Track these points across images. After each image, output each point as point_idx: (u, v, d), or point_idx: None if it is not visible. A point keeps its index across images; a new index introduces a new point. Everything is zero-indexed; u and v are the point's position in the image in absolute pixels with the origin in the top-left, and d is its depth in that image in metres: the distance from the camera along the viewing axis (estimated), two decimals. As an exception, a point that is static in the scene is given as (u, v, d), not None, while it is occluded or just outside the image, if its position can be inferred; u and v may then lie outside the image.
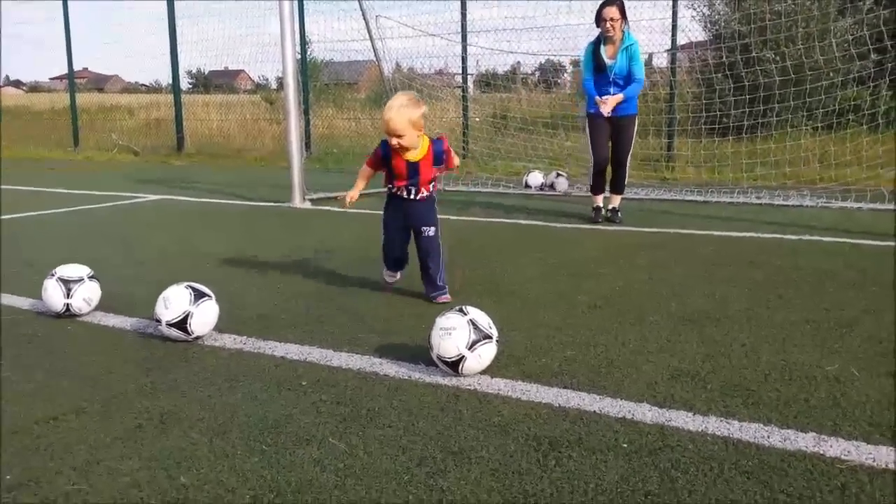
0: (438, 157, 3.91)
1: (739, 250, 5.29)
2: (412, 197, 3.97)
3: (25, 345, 3.33)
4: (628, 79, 6.31)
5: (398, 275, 4.30)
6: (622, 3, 6.28)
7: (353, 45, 10.12)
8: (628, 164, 6.62)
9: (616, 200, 6.68)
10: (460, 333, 2.78)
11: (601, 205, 6.74)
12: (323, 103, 15.15)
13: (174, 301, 3.27)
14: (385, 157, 3.90)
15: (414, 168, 3.90)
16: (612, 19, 6.21)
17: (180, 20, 14.16)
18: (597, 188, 6.74)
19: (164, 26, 14.14)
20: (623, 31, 6.29)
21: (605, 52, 6.34)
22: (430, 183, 3.98)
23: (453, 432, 2.39)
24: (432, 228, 4.04)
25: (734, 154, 8.89)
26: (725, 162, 8.95)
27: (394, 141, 3.78)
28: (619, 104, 6.34)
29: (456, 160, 4.01)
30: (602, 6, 6.28)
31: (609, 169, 6.64)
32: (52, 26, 18.49)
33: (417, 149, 3.86)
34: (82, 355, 3.18)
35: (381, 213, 4.12)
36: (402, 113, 3.74)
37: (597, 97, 6.39)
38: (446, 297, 4.00)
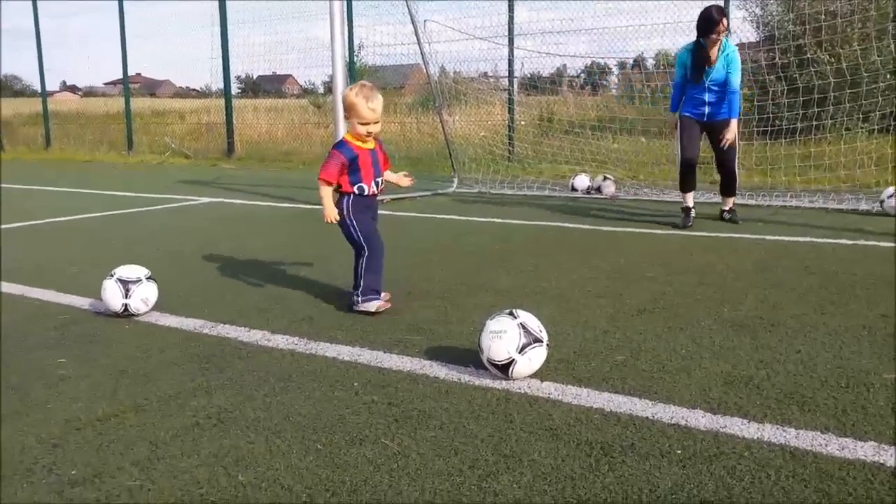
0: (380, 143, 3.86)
1: (793, 255, 5.19)
2: (378, 190, 3.85)
3: (86, 344, 3.44)
4: (723, 85, 6.32)
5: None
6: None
7: (399, 48, 10.14)
8: (736, 167, 6.66)
9: (729, 202, 6.77)
10: (511, 336, 2.79)
11: (690, 205, 6.66)
12: (369, 107, 15.21)
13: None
14: (352, 158, 3.69)
15: (375, 156, 3.79)
16: (723, 30, 6.22)
17: (231, 26, 14.43)
18: (684, 185, 6.67)
19: (216, 31, 14.42)
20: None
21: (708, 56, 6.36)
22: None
23: (504, 435, 2.40)
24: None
25: (787, 157, 8.70)
26: (778, 165, 8.78)
27: (372, 128, 3.70)
28: (714, 109, 6.41)
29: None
30: (720, 15, 6.20)
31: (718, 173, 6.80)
32: (108, 32, 18.96)
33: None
34: (140, 354, 3.27)
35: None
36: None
37: (672, 117, 6.73)
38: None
